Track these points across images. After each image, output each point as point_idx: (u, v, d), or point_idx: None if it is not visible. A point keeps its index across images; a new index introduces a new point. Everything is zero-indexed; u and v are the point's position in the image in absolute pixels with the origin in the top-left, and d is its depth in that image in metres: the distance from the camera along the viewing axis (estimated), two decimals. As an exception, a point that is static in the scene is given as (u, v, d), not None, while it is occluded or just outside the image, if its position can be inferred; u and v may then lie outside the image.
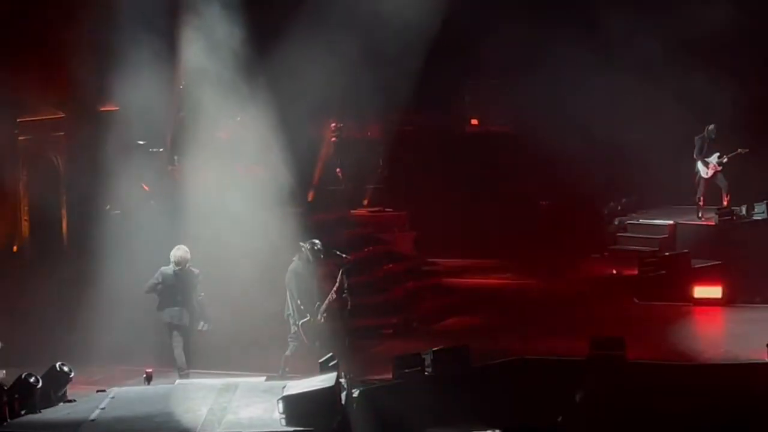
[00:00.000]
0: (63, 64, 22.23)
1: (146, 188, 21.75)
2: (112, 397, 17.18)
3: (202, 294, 18.66)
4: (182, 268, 18.43)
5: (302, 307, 18.66)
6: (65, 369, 17.18)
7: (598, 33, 24.07)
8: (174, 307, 18.61)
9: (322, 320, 18.93)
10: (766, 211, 23.93)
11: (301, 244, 19.02)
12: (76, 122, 23.00)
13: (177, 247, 18.58)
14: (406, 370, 17.76)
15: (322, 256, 19.15)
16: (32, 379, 16.46)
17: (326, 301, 19.02)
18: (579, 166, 24.65)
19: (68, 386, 17.14)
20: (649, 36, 23.60)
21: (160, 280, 18.52)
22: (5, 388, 16.13)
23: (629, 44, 23.89)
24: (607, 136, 24.21)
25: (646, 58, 23.82)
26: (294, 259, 18.91)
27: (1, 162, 22.55)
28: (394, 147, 24.66)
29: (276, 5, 22.98)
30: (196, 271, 18.62)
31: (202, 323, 18.80)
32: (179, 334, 18.69)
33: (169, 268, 18.50)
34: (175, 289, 18.52)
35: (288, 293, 18.72)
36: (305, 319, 18.59)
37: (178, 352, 18.78)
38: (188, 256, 18.49)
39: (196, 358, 19.14)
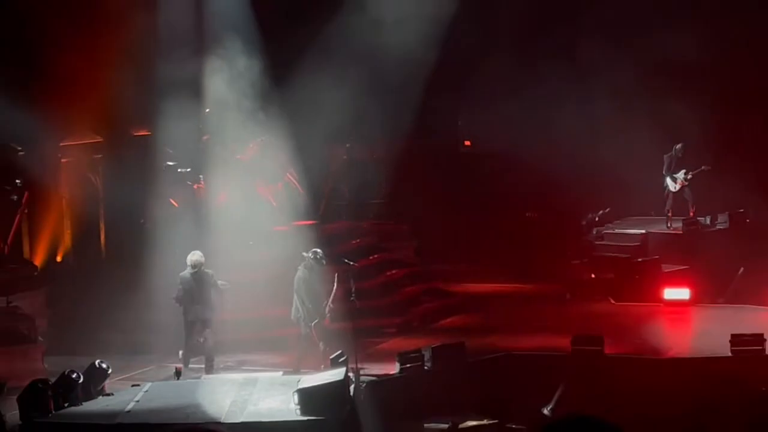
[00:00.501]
0: (101, 94, 22.15)
1: (175, 204, 21.68)
2: (146, 391, 17.30)
3: (222, 281, 18.79)
4: (198, 271, 18.60)
5: (312, 310, 18.41)
6: (104, 366, 17.23)
7: (577, 63, 24.09)
8: (196, 305, 18.69)
9: (329, 320, 18.80)
10: (727, 222, 24.04)
11: (304, 254, 18.95)
12: (112, 146, 23.15)
13: (192, 252, 18.78)
14: (408, 365, 17.82)
15: (324, 262, 19.10)
16: (74, 375, 16.55)
17: (329, 302, 18.89)
18: (561, 182, 24.73)
19: (106, 381, 17.15)
20: (623, 65, 23.54)
21: (180, 284, 18.66)
22: (50, 383, 16.17)
23: (605, 73, 23.86)
24: (586, 154, 24.20)
25: (620, 85, 23.81)
26: (299, 267, 18.83)
27: (47, 181, 22.75)
28: (396, 166, 24.56)
29: (291, 41, 22.91)
30: (210, 272, 18.72)
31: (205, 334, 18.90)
32: (202, 327, 18.77)
33: (187, 272, 18.68)
34: (193, 290, 18.63)
35: (297, 298, 18.72)
36: (316, 321, 18.40)
37: (187, 350, 18.95)
38: (202, 259, 18.67)
39: (219, 355, 19.11)
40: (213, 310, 18.93)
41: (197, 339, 18.71)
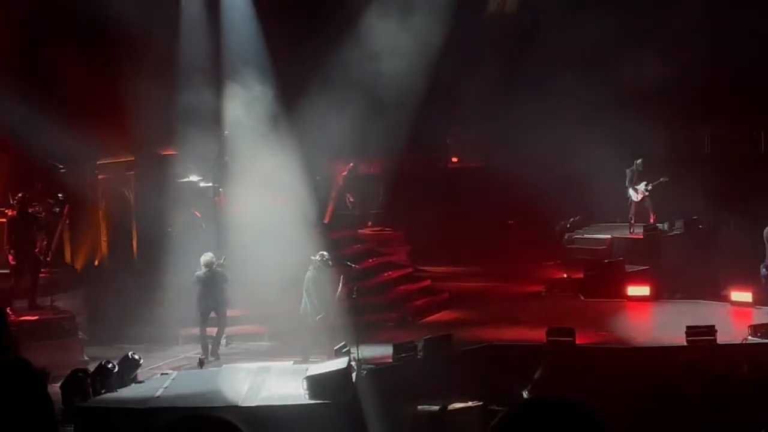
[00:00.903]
0: (132, 118, 22.22)
1: (198, 214, 21.84)
2: (173, 379, 17.39)
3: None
4: (210, 269, 18.97)
5: (318, 306, 18.50)
6: (136, 357, 17.37)
7: (550, 90, 23.93)
8: (209, 299, 19.10)
9: (334, 316, 18.82)
10: (683, 227, 24.04)
11: (312, 257, 18.97)
12: (143, 164, 23.19)
13: (204, 254, 19.16)
14: (403, 355, 17.79)
15: (330, 264, 19.17)
16: (110, 365, 16.75)
17: (335, 299, 19.00)
18: (536, 193, 24.68)
19: (138, 370, 17.26)
20: (589, 91, 23.49)
21: (196, 281, 19.04)
22: (89, 372, 16.36)
23: (575, 98, 23.88)
24: (558, 169, 24.29)
25: (587, 109, 23.76)
26: (309, 268, 18.90)
27: (85, 195, 22.81)
28: (392, 180, 24.63)
29: (299, 70, 23.00)
30: (220, 270, 19.19)
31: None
32: (217, 318, 19.27)
33: (201, 272, 19.04)
34: (207, 287, 18.97)
35: (306, 296, 18.77)
36: (320, 316, 18.49)
37: (204, 339, 19.25)
38: (214, 259, 19.10)
39: (237, 348, 19.51)
40: (224, 302, 19.31)
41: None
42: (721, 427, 13.59)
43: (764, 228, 20.84)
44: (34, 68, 21.69)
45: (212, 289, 19.12)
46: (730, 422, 12.72)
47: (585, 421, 2.00)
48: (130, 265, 21.71)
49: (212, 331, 19.60)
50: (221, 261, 19.43)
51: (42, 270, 20.89)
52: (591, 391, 15.07)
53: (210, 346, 19.14)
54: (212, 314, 19.48)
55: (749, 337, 18.69)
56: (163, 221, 21.69)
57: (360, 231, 24.15)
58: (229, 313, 19.77)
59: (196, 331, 19.84)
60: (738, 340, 18.35)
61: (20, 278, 19.95)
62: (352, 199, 24.88)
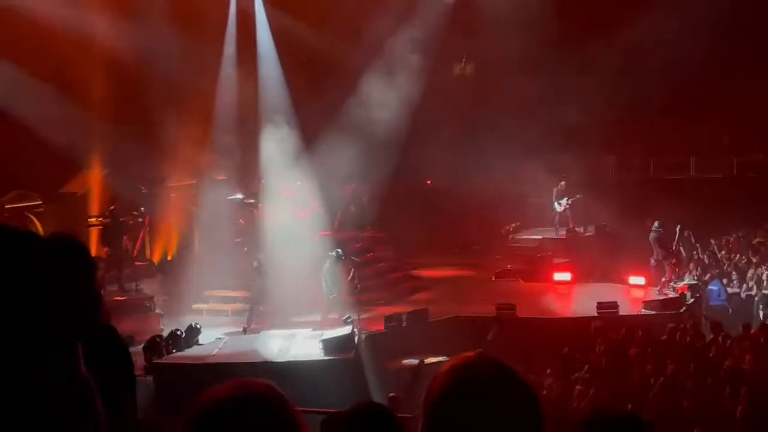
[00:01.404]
0: (195, 152, 22.33)
1: (242, 223, 21.72)
2: (225, 342, 17.55)
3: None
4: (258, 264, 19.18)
5: (332, 288, 18.55)
6: (197, 326, 17.56)
7: (500, 128, 23.83)
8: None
9: (344, 295, 18.81)
10: (594, 231, 24.07)
11: (330, 253, 19.01)
12: (202, 186, 22.99)
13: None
14: (392, 324, 17.88)
15: (343, 257, 19.14)
16: (178, 332, 16.96)
17: (345, 284, 18.93)
18: (489, 206, 24.68)
19: (199, 336, 17.39)
20: (529, 128, 23.43)
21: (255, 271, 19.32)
22: (163, 337, 16.56)
23: (519, 133, 23.70)
24: (506, 188, 24.29)
25: (527, 142, 23.61)
26: (327, 260, 18.87)
27: (161, 209, 22.83)
28: (383, 197, 24.52)
29: (315, 115, 22.82)
30: (255, 264, 19.35)
31: None
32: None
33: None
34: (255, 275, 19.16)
35: (323, 281, 18.66)
36: (333, 295, 18.48)
37: (250, 313, 19.20)
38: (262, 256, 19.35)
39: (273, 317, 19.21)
40: (259, 289, 19.28)
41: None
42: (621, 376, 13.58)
43: (650, 233, 21.00)
44: (128, 117, 21.72)
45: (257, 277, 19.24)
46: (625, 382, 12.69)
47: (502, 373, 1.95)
48: (193, 259, 21.64)
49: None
50: (254, 264, 19.46)
51: (128, 263, 21.04)
52: (528, 351, 15.23)
53: (251, 319, 19.09)
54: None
55: (642, 310, 18.90)
56: (216, 227, 21.71)
57: (360, 234, 24.10)
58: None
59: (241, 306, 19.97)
60: (634, 312, 18.62)
61: (111, 269, 20.01)
62: (354, 211, 24.63)
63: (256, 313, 19.19)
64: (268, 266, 19.39)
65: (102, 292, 3.80)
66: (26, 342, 2.03)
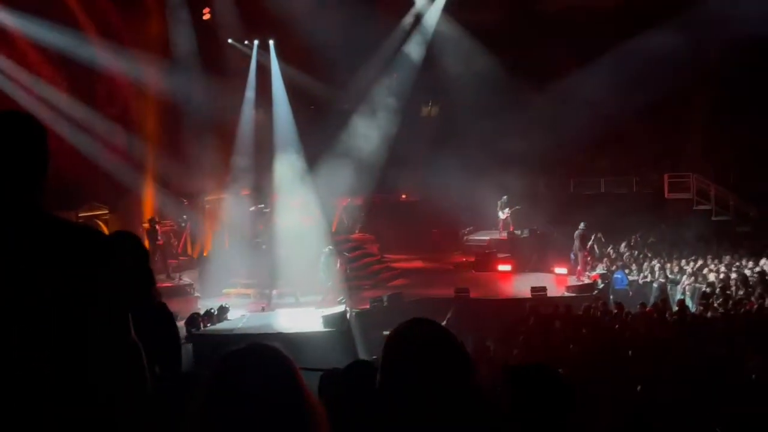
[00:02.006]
0: (226, 173, 22.36)
1: (261, 227, 21.65)
2: (247, 318, 17.42)
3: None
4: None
5: (328, 276, 18.53)
6: (227, 306, 17.46)
7: (461, 153, 23.80)
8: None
9: (336, 282, 18.79)
10: (528, 233, 23.86)
11: (324, 250, 18.95)
12: (230, 199, 22.85)
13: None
14: (375, 304, 17.87)
15: (335, 252, 19.17)
16: (212, 311, 16.89)
17: (338, 273, 18.96)
18: (450, 214, 24.64)
19: (228, 313, 17.28)
20: (483, 155, 23.45)
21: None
22: (200, 314, 16.42)
23: (474, 155, 23.69)
24: (463, 200, 24.22)
25: (481, 165, 23.60)
26: (323, 255, 18.82)
27: (198, 216, 22.68)
28: (368, 207, 24.66)
29: (316, 142, 22.79)
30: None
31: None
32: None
33: None
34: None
35: (321, 271, 18.65)
36: (329, 283, 18.52)
37: (268, 297, 19.05)
38: None
39: (279, 300, 19.11)
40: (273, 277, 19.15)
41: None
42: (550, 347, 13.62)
43: (573, 233, 21.12)
44: (172, 145, 21.65)
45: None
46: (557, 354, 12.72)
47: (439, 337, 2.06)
48: (223, 255, 21.57)
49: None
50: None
51: (173, 258, 20.96)
52: (479, 323, 15.27)
53: (268, 300, 19.02)
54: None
55: (565, 293, 19.01)
56: (244, 231, 21.48)
57: (351, 235, 24.13)
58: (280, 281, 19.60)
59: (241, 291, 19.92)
60: (559, 294, 18.71)
61: (159, 263, 19.92)
62: (347, 218, 24.56)
63: (270, 295, 19.12)
64: (281, 259, 19.35)
65: (154, 277, 3.83)
66: (92, 309, 2.08)
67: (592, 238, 21.60)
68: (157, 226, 20.27)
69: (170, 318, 3.91)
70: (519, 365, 2.89)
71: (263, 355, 1.81)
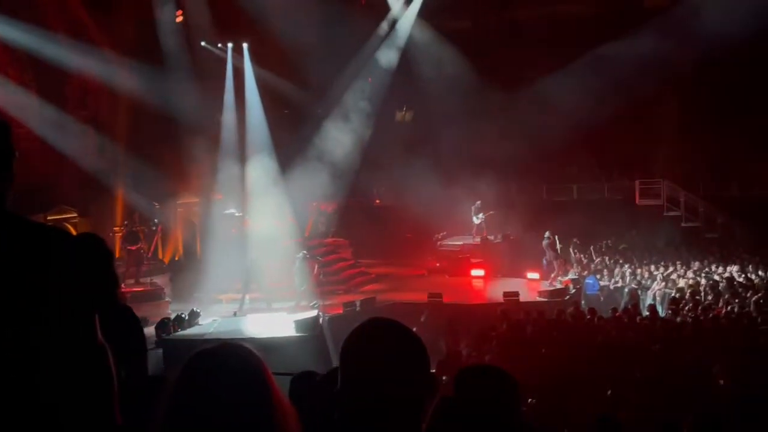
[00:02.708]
0: (198, 177, 22.11)
1: (234, 231, 21.49)
2: (218, 323, 17.18)
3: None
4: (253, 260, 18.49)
5: (302, 281, 18.45)
6: (198, 311, 17.29)
7: (433, 161, 23.96)
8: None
9: (310, 286, 18.70)
10: (501, 238, 24.01)
11: (297, 255, 18.84)
12: (203, 204, 22.77)
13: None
14: (348, 309, 17.76)
15: (308, 257, 19.13)
16: (183, 315, 16.68)
17: (311, 277, 18.85)
18: (424, 219, 24.43)
19: (199, 318, 17.13)
20: (455, 161, 23.73)
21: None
22: (171, 319, 16.19)
23: (446, 166, 24.00)
24: (436, 206, 24.05)
25: (453, 171, 23.85)
26: (297, 260, 18.79)
27: (170, 221, 22.52)
28: (342, 212, 24.55)
29: (291, 147, 22.86)
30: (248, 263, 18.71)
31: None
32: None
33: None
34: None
35: (295, 275, 18.56)
36: (303, 287, 18.39)
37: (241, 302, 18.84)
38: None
39: (256, 305, 18.86)
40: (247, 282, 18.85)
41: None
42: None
43: (542, 240, 21.26)
44: (145, 148, 21.33)
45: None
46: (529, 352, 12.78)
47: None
48: (196, 259, 21.43)
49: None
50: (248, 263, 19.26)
51: (143, 262, 20.72)
52: (452, 328, 15.27)
53: (240, 305, 18.88)
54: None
55: (537, 297, 19.12)
56: (216, 236, 21.17)
57: (325, 240, 24.03)
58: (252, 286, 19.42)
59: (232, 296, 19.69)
60: (531, 299, 18.79)
61: (130, 267, 19.73)
62: (320, 222, 24.45)
63: (243, 300, 18.96)
64: (253, 264, 19.17)
65: (119, 279, 3.79)
66: (55, 310, 2.05)
67: (558, 244, 21.66)
68: (136, 229, 20.14)
69: (135, 321, 3.87)
70: (470, 366, 2.93)
71: (232, 355, 1.79)
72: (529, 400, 9.03)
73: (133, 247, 19.92)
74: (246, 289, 19.05)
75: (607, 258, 22.39)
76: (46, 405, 2.02)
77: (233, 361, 1.78)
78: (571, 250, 22.13)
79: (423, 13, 25.56)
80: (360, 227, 25.38)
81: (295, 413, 1.79)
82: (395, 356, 1.92)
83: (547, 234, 21.20)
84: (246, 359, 1.79)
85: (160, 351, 14.38)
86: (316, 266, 19.72)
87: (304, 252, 19.07)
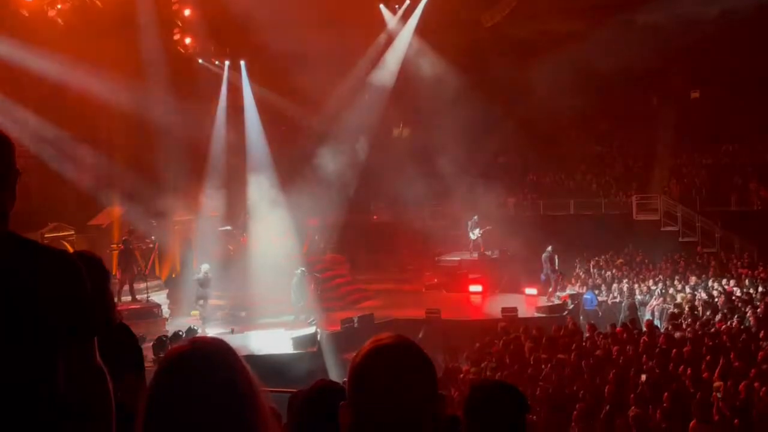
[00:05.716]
0: (195, 195, 22.05)
1: (231, 248, 21.36)
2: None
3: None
4: (205, 273, 17.99)
5: (299, 297, 18.40)
6: (195, 328, 17.29)
7: (429, 176, 23.98)
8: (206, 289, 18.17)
9: (307, 303, 18.64)
10: (498, 254, 23.84)
11: (296, 271, 18.75)
12: (199, 220, 22.53)
13: (203, 264, 18.23)
14: (346, 325, 17.78)
15: (307, 274, 19.08)
16: (180, 333, 16.47)
17: (309, 294, 18.85)
18: (421, 235, 24.67)
19: (197, 335, 16.67)
20: (451, 177, 23.69)
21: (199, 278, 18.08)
22: (168, 337, 16.00)
23: (443, 180, 24.00)
24: (435, 222, 24.24)
25: (450, 186, 23.84)
26: (295, 276, 18.72)
27: (167, 238, 22.41)
28: (340, 228, 24.48)
29: (290, 167, 22.79)
30: (210, 275, 18.07)
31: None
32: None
33: (201, 274, 18.09)
34: (203, 283, 18.05)
35: (292, 292, 18.48)
36: (300, 303, 18.35)
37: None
38: (208, 267, 18.04)
39: (249, 322, 18.66)
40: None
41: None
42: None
43: (542, 254, 21.23)
44: (142, 166, 21.40)
45: (206, 284, 18.22)
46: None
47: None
48: (192, 276, 21.31)
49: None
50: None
51: (141, 279, 20.62)
52: (451, 345, 15.28)
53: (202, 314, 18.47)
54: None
55: (535, 313, 19.11)
56: (214, 252, 21.15)
57: (323, 256, 23.98)
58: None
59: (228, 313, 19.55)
60: (529, 315, 18.80)
61: (125, 284, 19.64)
62: (318, 238, 24.40)
63: (240, 317, 18.83)
64: (252, 280, 19.09)
65: (115, 298, 3.75)
66: (51, 331, 2.03)
67: (557, 259, 21.61)
68: (132, 247, 20.09)
69: (132, 339, 3.83)
70: (481, 381, 3.00)
71: (206, 351, 1.79)
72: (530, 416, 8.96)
73: (129, 265, 19.83)
74: (244, 306, 18.95)
75: (605, 273, 22.38)
76: (45, 426, 2.00)
77: (206, 358, 1.77)
78: (577, 264, 22.08)
79: (420, 30, 25.69)
80: (358, 244, 25.38)
81: (273, 409, 1.75)
82: (418, 378, 1.80)
83: (549, 248, 21.20)
84: (219, 355, 1.79)
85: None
86: (313, 283, 19.66)
87: (302, 269, 19.03)
